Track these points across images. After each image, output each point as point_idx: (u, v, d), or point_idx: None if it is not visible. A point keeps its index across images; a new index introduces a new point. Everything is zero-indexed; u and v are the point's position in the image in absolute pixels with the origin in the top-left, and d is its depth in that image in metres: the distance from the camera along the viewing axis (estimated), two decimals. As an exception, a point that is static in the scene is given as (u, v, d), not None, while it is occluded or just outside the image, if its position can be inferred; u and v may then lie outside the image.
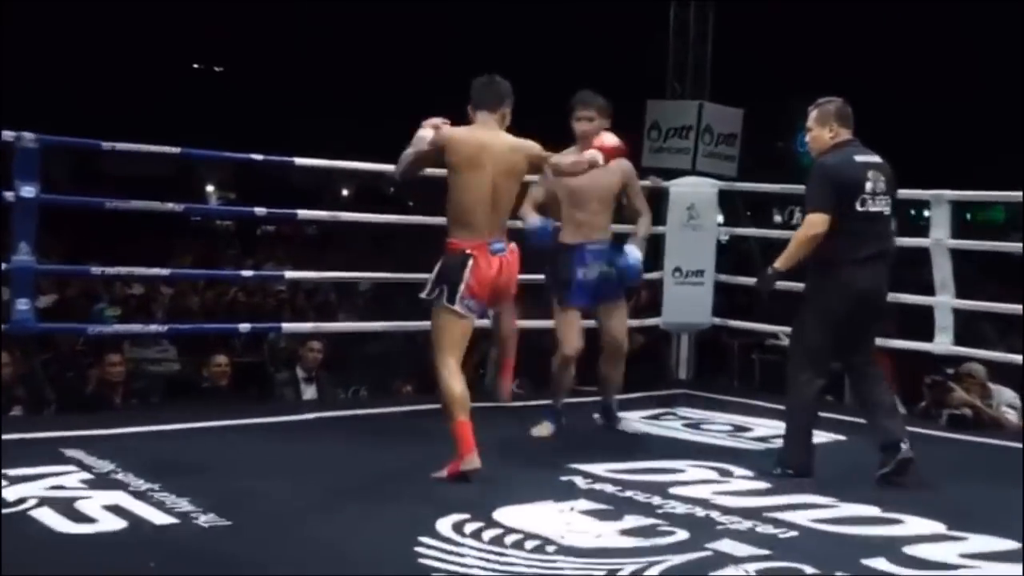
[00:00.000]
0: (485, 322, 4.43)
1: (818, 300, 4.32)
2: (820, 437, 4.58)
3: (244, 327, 5.79)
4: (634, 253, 4.97)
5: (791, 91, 18.93)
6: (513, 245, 4.22)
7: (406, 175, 4.28)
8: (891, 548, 3.43)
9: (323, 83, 19.42)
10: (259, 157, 5.50)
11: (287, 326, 6.64)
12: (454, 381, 4.07)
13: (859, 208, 4.25)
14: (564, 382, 5.07)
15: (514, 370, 4.45)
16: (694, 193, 6.80)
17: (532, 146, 4.24)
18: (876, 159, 4.33)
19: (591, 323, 5.19)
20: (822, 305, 4.30)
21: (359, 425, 5.24)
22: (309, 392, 6.60)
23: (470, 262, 4.07)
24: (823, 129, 4.36)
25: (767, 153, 18.83)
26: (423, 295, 4.13)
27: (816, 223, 4.24)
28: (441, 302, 4.08)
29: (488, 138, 4.13)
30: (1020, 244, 6.32)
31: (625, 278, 5.00)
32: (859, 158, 4.29)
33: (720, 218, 7.22)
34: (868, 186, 4.25)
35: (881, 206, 4.28)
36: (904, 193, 6.02)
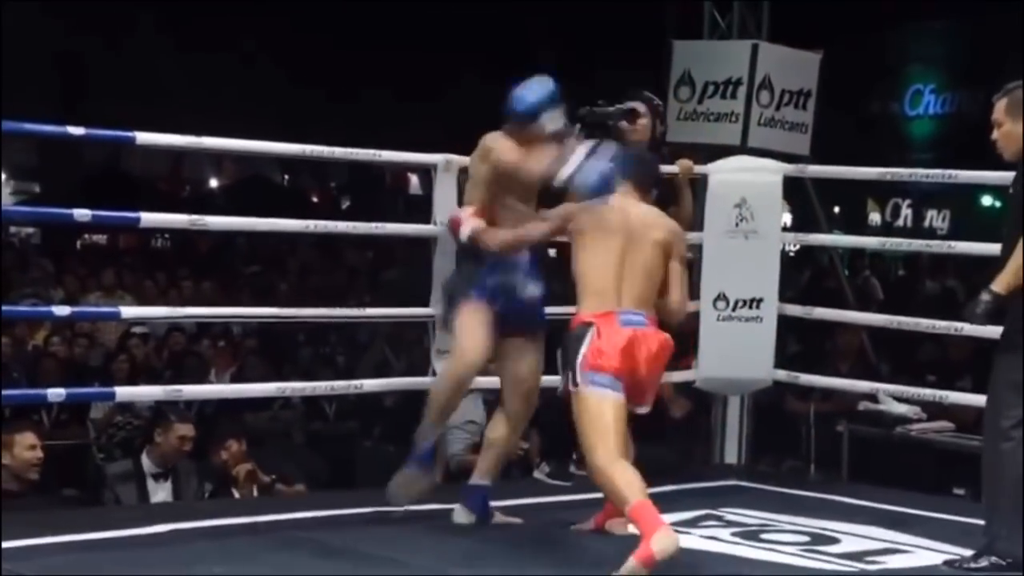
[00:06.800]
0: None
1: None
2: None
3: (55, 394, 5.70)
4: None
5: (892, 22, 19.13)
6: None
7: None
8: None
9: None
10: (79, 131, 5.47)
11: (124, 391, 6.57)
12: (613, 469, 4.82)
13: None
14: (452, 407, 5.60)
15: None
16: (746, 182, 6.81)
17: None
18: None
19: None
20: None
21: (239, 544, 5.19)
22: (160, 493, 6.54)
23: (590, 332, 4.96)
24: (1017, 123, 4.82)
25: (858, 119, 18.92)
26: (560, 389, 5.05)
27: None
28: (571, 388, 4.97)
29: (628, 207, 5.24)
30: None
31: None
32: None
33: (787, 219, 7.22)
34: None
35: None
36: None
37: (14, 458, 6.25)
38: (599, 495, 5.71)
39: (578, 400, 4.93)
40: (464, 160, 5.81)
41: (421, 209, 6.50)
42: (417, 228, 6.26)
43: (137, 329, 10.43)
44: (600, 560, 4.80)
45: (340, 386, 6.47)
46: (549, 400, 5.58)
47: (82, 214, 5.57)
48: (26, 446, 6.26)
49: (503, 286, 5.48)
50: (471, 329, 5.45)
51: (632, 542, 4.63)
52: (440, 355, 6.07)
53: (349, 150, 6.19)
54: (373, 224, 6.55)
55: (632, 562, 4.51)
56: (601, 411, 4.91)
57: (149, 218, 5.98)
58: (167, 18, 19.68)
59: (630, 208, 5.21)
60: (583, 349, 4.94)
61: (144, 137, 5.77)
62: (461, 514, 5.52)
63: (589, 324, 4.98)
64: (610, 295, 5.04)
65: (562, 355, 5.00)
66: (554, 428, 6.90)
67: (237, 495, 6.76)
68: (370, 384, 6.57)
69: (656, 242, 5.15)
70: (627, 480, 4.78)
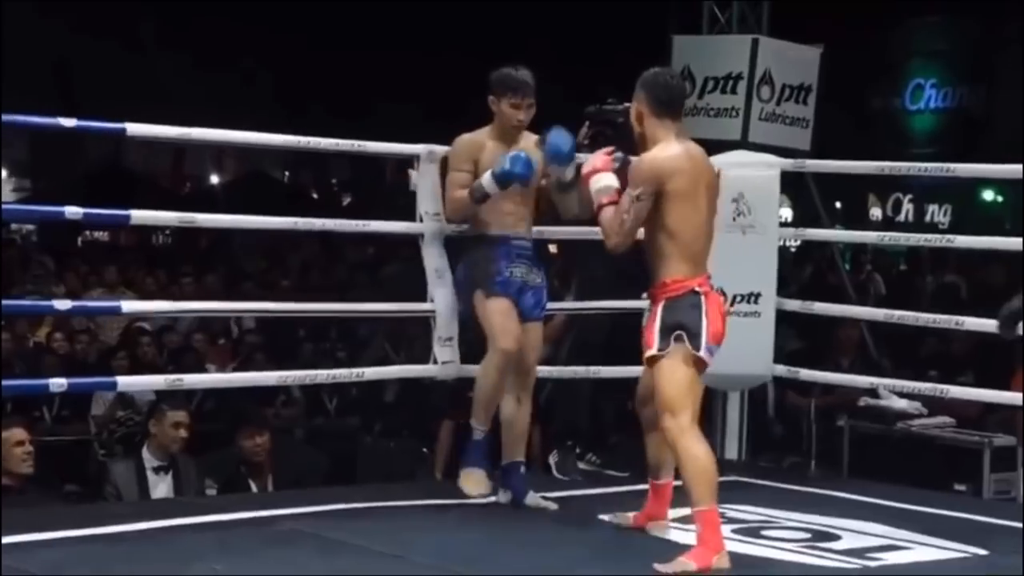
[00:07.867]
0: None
1: None
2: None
3: (57, 384, 5.66)
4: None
5: (892, 17, 19.18)
6: None
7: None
8: None
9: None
10: (70, 123, 5.49)
11: (125, 380, 6.57)
12: (701, 447, 4.88)
13: None
14: (498, 397, 5.70)
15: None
16: (745, 176, 6.83)
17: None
18: None
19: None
20: None
21: (240, 539, 5.20)
22: (161, 488, 6.54)
23: (702, 301, 4.95)
24: None
25: (859, 114, 18.94)
26: (652, 351, 4.91)
27: None
28: (680, 349, 4.89)
29: (698, 154, 5.09)
30: None
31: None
32: None
33: (786, 214, 7.22)
34: None
35: None
36: None
37: (3, 454, 6.24)
38: (607, 490, 5.74)
39: (689, 364, 4.91)
40: (446, 150, 5.88)
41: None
42: (401, 225, 6.26)
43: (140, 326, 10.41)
44: (603, 554, 4.81)
45: (342, 374, 6.55)
46: (553, 392, 5.63)
47: (73, 212, 5.55)
48: (13, 442, 6.25)
49: (515, 275, 5.68)
50: (502, 318, 5.64)
51: (646, 541, 4.65)
52: (443, 343, 6.10)
53: (331, 140, 6.21)
54: (357, 222, 6.59)
55: (680, 564, 4.71)
56: (697, 382, 4.96)
57: (139, 215, 5.98)
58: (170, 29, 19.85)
59: (698, 155, 5.10)
60: (704, 320, 4.91)
61: (134, 128, 5.76)
62: (502, 496, 5.74)
63: (698, 292, 4.95)
64: (701, 257, 5.02)
65: (666, 320, 4.92)
66: (562, 420, 6.90)
67: (254, 487, 6.79)
68: (371, 372, 6.64)
69: (717, 190, 5.19)
70: (710, 472, 4.85)
